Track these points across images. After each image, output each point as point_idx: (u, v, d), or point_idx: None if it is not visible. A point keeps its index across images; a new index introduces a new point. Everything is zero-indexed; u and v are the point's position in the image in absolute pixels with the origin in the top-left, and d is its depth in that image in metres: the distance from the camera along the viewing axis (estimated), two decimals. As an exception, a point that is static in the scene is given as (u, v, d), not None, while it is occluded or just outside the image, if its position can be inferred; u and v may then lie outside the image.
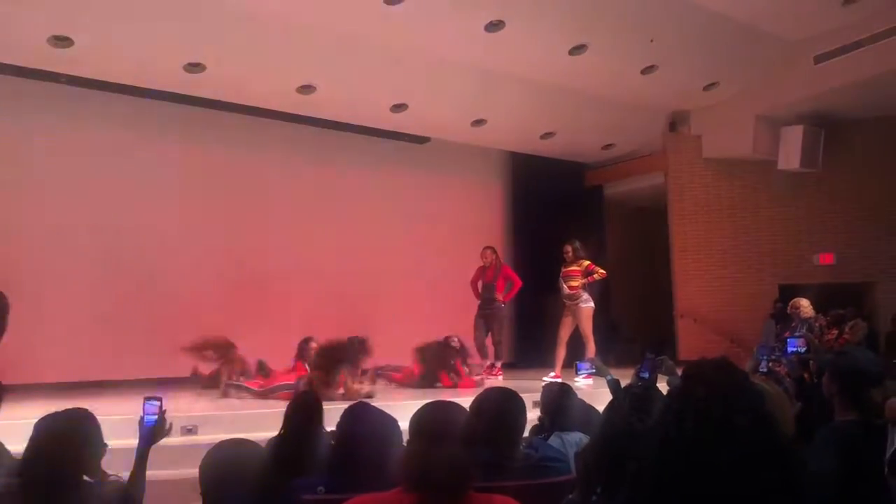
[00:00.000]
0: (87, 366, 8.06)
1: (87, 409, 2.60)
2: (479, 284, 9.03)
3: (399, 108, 9.48)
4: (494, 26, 8.02)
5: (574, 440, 3.28)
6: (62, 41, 7.23)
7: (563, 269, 8.49)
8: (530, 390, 6.94)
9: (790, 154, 10.42)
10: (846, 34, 9.16)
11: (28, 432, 2.49)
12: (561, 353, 8.41)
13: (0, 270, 7.77)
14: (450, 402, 2.29)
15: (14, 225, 8.14)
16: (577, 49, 8.68)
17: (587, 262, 8.42)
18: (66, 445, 2.46)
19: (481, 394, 2.57)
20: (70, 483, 2.42)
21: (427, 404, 2.19)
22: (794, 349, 4.83)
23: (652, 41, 8.11)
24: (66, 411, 2.58)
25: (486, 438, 2.43)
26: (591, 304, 8.35)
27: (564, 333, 8.44)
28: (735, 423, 1.44)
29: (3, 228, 8.05)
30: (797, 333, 6.48)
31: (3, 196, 8.13)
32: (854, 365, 2.81)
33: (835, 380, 2.82)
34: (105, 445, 2.59)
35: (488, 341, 8.96)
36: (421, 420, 2.07)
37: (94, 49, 7.52)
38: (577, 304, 8.31)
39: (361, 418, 2.50)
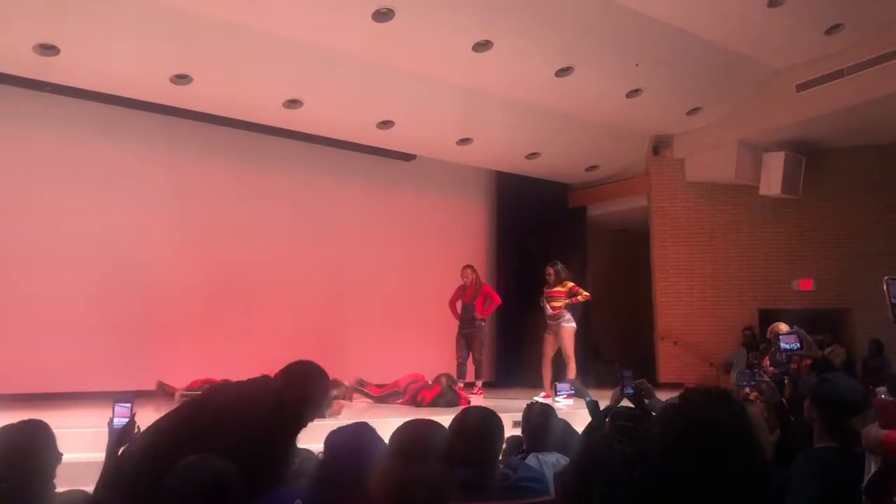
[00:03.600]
0: (63, 376, 7.95)
1: (41, 420, 2.59)
2: (459, 304, 9.04)
3: (385, 124, 9.50)
4: (482, 46, 8.07)
5: (551, 461, 3.26)
6: (48, 49, 7.19)
7: (546, 290, 8.51)
8: (510, 409, 6.97)
9: (772, 180, 10.53)
10: (828, 63, 9.30)
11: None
12: (547, 373, 8.43)
13: None
14: (430, 421, 2.28)
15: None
16: (564, 71, 8.75)
17: (571, 284, 8.48)
18: (21, 456, 2.45)
19: (461, 413, 2.55)
20: (30, 493, 2.41)
21: (407, 422, 2.17)
22: (789, 347, 4.80)
23: (637, 65, 8.17)
24: (21, 422, 2.57)
25: (466, 458, 2.41)
26: (574, 324, 8.40)
27: (549, 352, 8.48)
28: (728, 454, 1.44)
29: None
30: (789, 331, 6.43)
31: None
32: (835, 393, 2.82)
33: (816, 407, 2.83)
34: (60, 455, 2.58)
35: (469, 360, 8.96)
36: (401, 438, 2.05)
37: (81, 58, 7.48)
38: (560, 323, 8.35)
39: (355, 435, 2.46)
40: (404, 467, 1.83)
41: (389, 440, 2.05)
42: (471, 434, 2.42)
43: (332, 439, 2.36)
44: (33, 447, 2.50)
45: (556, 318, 8.39)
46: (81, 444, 4.30)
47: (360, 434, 2.37)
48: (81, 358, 8.04)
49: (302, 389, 2.86)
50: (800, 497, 2.57)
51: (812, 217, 10.99)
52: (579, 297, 8.44)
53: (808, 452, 2.78)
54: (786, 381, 6.39)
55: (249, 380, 3.08)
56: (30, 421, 2.58)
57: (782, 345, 3.86)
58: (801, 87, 9.65)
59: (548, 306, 8.45)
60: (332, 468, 2.29)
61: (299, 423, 2.82)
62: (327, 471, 2.32)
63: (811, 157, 10.65)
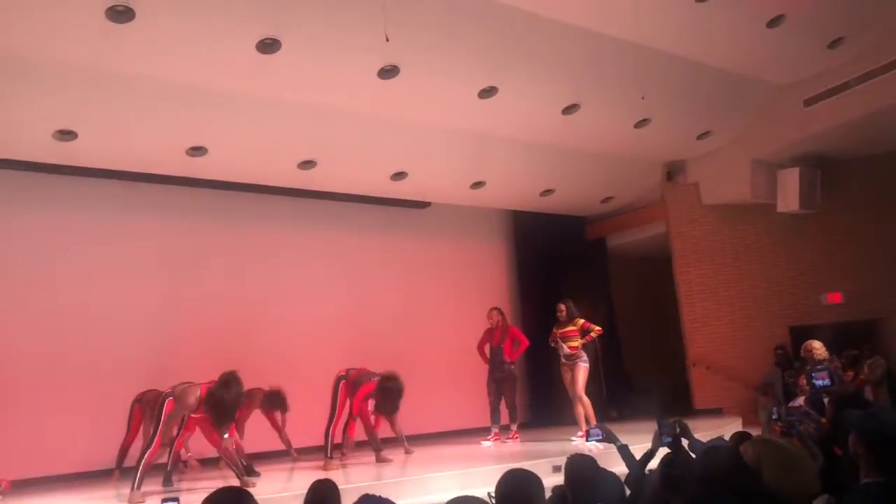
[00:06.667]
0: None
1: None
2: (487, 348, 9.01)
3: (399, 176, 9.61)
4: (487, 92, 8.18)
5: (597, 515, 3.23)
6: (66, 135, 7.37)
7: (559, 330, 8.53)
8: (548, 454, 6.95)
9: (788, 196, 10.49)
10: (834, 76, 9.32)
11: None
12: (580, 410, 8.37)
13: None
14: (471, 498, 2.28)
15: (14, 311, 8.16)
16: (570, 108, 8.84)
17: (582, 321, 8.50)
18: None
19: (501, 480, 2.55)
20: None
21: (453, 500, 2.18)
22: (821, 384, 4.78)
23: (643, 98, 8.23)
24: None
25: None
26: (588, 363, 8.42)
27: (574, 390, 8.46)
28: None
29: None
30: (818, 367, 6.41)
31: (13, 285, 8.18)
32: (879, 428, 2.78)
33: (861, 441, 2.79)
34: None
35: (501, 405, 8.90)
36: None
37: (99, 139, 7.65)
38: (577, 363, 8.36)
39: None
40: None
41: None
42: (514, 502, 2.41)
43: None
44: None
45: (574, 357, 8.41)
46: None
47: None
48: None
49: None
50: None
51: (834, 230, 10.90)
52: (593, 334, 8.47)
53: (857, 489, 2.74)
54: (826, 401, 6.33)
55: None
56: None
57: (815, 382, 3.82)
58: (809, 102, 9.68)
59: (564, 346, 8.46)
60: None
61: None
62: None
63: (827, 170, 10.60)
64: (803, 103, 9.71)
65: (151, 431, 6.33)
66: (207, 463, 7.96)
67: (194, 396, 6.13)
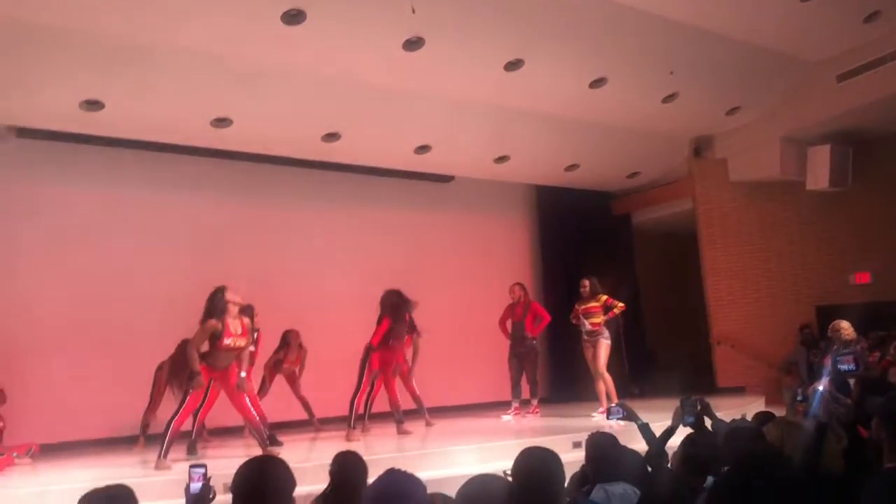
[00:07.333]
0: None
1: (126, 486, 2.64)
2: (509, 323, 9.01)
3: (422, 149, 9.56)
4: (513, 65, 8.09)
5: (618, 492, 3.23)
6: (93, 105, 7.41)
7: (582, 306, 8.52)
8: (569, 430, 6.97)
9: (818, 174, 10.32)
10: (869, 51, 9.10)
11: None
12: (601, 386, 8.38)
13: (22, 325, 8.04)
14: (489, 476, 2.28)
15: (34, 282, 8.28)
16: (598, 82, 8.72)
17: (605, 297, 8.48)
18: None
19: (518, 458, 2.54)
20: None
21: (472, 479, 2.18)
22: (846, 368, 4.73)
23: (672, 73, 8.09)
24: (107, 488, 2.62)
25: (528, 502, 2.39)
26: (609, 340, 8.40)
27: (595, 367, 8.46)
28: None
29: (25, 288, 8.21)
30: (843, 351, 6.34)
31: (27, 254, 8.31)
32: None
33: (885, 425, 2.75)
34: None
35: (522, 380, 8.93)
36: (468, 495, 2.05)
37: (124, 109, 7.69)
38: (599, 339, 8.36)
39: (394, 486, 2.46)
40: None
41: (456, 497, 2.06)
42: (532, 482, 2.40)
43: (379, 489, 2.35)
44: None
45: (595, 334, 8.41)
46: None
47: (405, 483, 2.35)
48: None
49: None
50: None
51: (864, 208, 10.71)
52: (616, 310, 8.45)
53: (879, 474, 2.70)
54: (852, 383, 6.25)
55: None
56: (115, 486, 2.63)
57: (839, 366, 3.77)
58: (842, 78, 9.46)
59: (586, 323, 8.46)
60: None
61: None
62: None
63: (859, 148, 10.40)
64: (836, 79, 9.49)
65: (180, 398, 6.41)
66: (233, 432, 8.08)
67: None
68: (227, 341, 6.20)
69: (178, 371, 7.19)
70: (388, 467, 2.42)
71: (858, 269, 10.74)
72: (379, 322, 7.61)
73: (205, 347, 6.28)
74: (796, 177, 10.55)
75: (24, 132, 8.22)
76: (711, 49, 8.64)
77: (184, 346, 6.64)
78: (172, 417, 6.17)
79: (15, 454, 6.72)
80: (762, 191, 11.08)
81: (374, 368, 7.62)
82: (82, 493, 2.59)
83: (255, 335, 7.46)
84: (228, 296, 6.28)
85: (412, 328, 8.12)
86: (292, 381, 8.46)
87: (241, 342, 6.34)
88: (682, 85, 9.16)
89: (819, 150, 10.29)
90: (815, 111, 9.96)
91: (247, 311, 7.09)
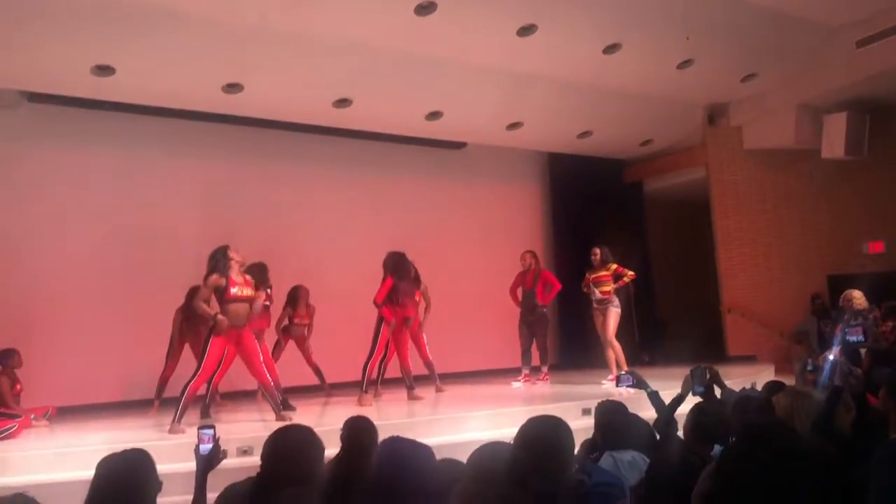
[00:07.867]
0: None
1: (143, 450, 2.69)
2: (519, 291, 9.03)
3: (434, 115, 9.51)
4: (526, 30, 8.00)
5: (627, 459, 3.26)
6: (105, 70, 7.40)
7: (592, 275, 8.53)
8: (578, 396, 7.01)
9: (834, 142, 10.19)
10: (889, 17, 8.91)
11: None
12: (611, 354, 8.41)
13: (38, 289, 8.12)
14: (499, 443, 2.30)
15: (49, 246, 8.37)
16: (611, 48, 8.61)
17: (615, 266, 8.48)
18: (126, 486, 2.55)
19: (525, 426, 2.54)
20: None
21: (482, 446, 2.20)
22: (854, 339, 4.73)
23: (688, 38, 7.97)
24: (125, 452, 2.66)
25: (537, 469, 2.41)
26: (619, 308, 8.41)
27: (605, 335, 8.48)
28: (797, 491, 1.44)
29: (40, 252, 8.29)
30: (852, 322, 6.33)
31: (41, 219, 8.37)
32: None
33: (891, 396, 2.77)
34: (160, 483, 2.67)
35: (533, 347, 8.96)
36: (478, 462, 2.07)
37: (135, 75, 7.68)
38: (609, 307, 8.37)
39: (397, 454, 2.49)
40: (482, 492, 1.86)
41: (467, 462, 2.07)
42: (539, 449, 2.41)
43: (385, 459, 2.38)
44: (136, 477, 2.59)
45: (605, 302, 8.43)
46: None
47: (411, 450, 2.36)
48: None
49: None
50: (881, 491, 2.53)
51: (880, 177, 10.61)
52: (626, 279, 8.46)
53: (886, 444, 2.72)
54: (863, 353, 6.24)
55: None
56: (132, 450, 2.68)
57: (848, 338, 3.77)
58: (862, 44, 9.28)
59: (596, 291, 8.47)
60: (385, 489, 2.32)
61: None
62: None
63: (876, 116, 10.26)
64: (855, 45, 9.32)
65: (197, 363, 6.45)
66: (246, 396, 8.18)
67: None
68: (234, 290, 6.25)
69: (189, 318, 7.41)
70: (394, 434, 2.46)
71: (873, 238, 10.68)
72: (383, 282, 7.67)
73: (214, 306, 6.32)
74: (811, 145, 10.43)
75: (35, 97, 8.24)
76: (728, 14, 8.49)
77: (193, 293, 6.83)
78: (188, 382, 6.22)
79: (33, 416, 6.83)
80: (776, 159, 10.97)
81: (389, 320, 7.65)
82: (99, 455, 2.65)
83: (269, 290, 7.57)
84: (231, 254, 6.34)
85: (418, 282, 8.16)
86: (302, 344, 8.49)
87: (248, 290, 6.40)
88: (698, 51, 9.02)
89: (835, 118, 10.15)
90: (832, 78, 9.80)
91: (260, 268, 7.17)
